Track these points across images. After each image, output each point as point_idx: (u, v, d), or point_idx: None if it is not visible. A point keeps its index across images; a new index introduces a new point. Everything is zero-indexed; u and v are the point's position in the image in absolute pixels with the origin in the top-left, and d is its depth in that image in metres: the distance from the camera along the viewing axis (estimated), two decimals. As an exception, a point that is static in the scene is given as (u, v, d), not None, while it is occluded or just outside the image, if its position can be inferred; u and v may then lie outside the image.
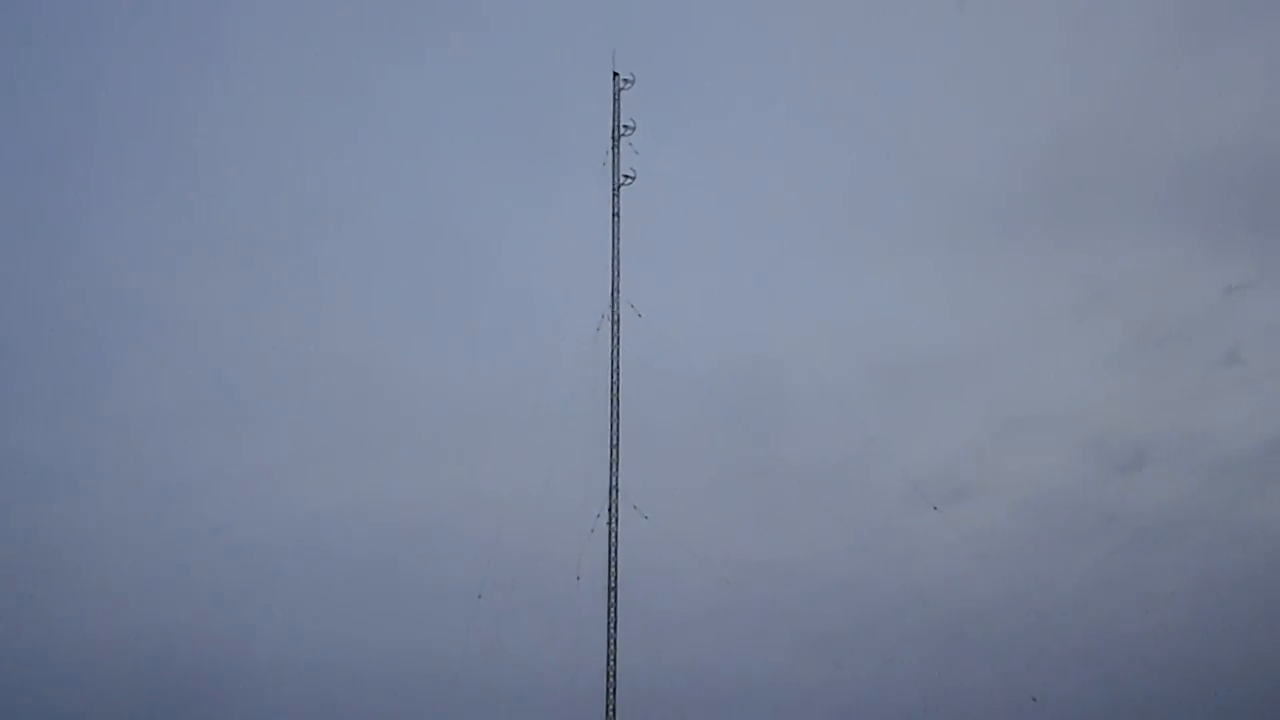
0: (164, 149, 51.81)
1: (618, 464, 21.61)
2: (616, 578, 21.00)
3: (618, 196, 23.46)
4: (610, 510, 21.19)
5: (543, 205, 45.74)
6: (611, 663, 20.75)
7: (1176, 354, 52.90)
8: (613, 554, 21.06)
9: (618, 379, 22.38)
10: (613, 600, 20.78)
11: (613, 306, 22.66)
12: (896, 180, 54.61)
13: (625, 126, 23.81)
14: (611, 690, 20.83)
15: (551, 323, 26.52)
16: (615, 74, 23.87)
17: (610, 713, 20.63)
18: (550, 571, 21.58)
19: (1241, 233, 53.91)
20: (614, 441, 21.76)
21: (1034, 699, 23.38)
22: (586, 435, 22.67)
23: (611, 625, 20.74)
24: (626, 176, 23.57)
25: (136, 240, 50.45)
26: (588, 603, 21.19)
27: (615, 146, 23.63)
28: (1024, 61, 56.55)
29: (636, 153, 23.37)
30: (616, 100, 23.87)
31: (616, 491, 21.38)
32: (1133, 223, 54.70)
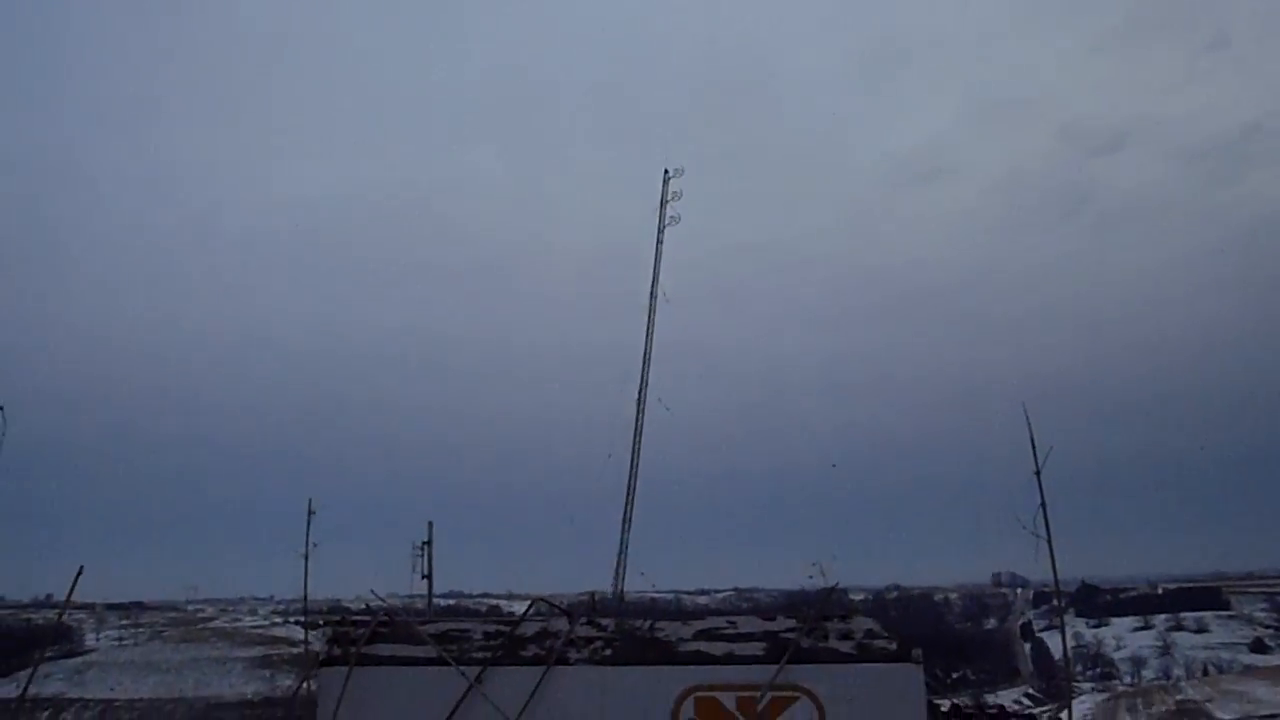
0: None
1: (655, 302, 52.27)
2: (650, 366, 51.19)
3: (663, 232, 51.48)
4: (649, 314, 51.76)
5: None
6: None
7: (1163, 38, 63.17)
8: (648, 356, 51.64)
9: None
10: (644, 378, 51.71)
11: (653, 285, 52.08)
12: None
13: (674, 194, 53.47)
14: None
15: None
16: (666, 170, 49.25)
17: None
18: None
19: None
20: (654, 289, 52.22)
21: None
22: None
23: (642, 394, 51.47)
24: (672, 218, 53.01)
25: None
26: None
27: (663, 206, 51.96)
28: None
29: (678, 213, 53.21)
30: (665, 184, 50.84)
31: (653, 321, 51.74)
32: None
